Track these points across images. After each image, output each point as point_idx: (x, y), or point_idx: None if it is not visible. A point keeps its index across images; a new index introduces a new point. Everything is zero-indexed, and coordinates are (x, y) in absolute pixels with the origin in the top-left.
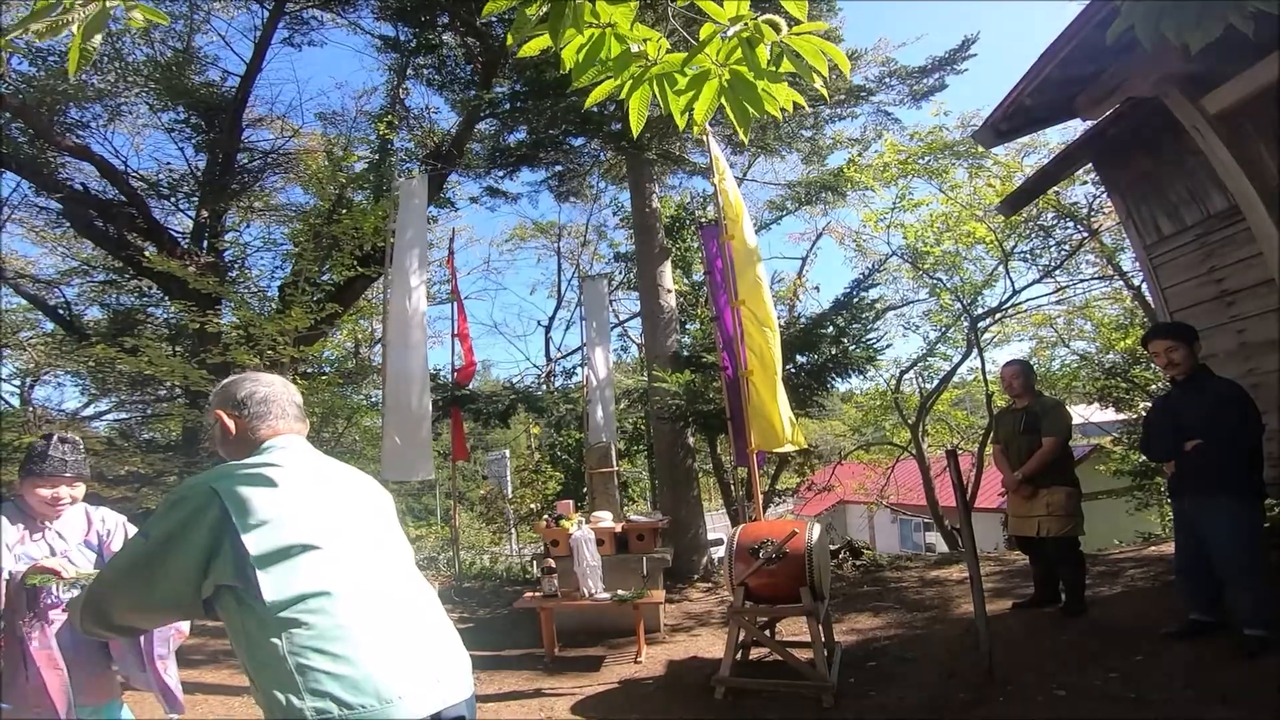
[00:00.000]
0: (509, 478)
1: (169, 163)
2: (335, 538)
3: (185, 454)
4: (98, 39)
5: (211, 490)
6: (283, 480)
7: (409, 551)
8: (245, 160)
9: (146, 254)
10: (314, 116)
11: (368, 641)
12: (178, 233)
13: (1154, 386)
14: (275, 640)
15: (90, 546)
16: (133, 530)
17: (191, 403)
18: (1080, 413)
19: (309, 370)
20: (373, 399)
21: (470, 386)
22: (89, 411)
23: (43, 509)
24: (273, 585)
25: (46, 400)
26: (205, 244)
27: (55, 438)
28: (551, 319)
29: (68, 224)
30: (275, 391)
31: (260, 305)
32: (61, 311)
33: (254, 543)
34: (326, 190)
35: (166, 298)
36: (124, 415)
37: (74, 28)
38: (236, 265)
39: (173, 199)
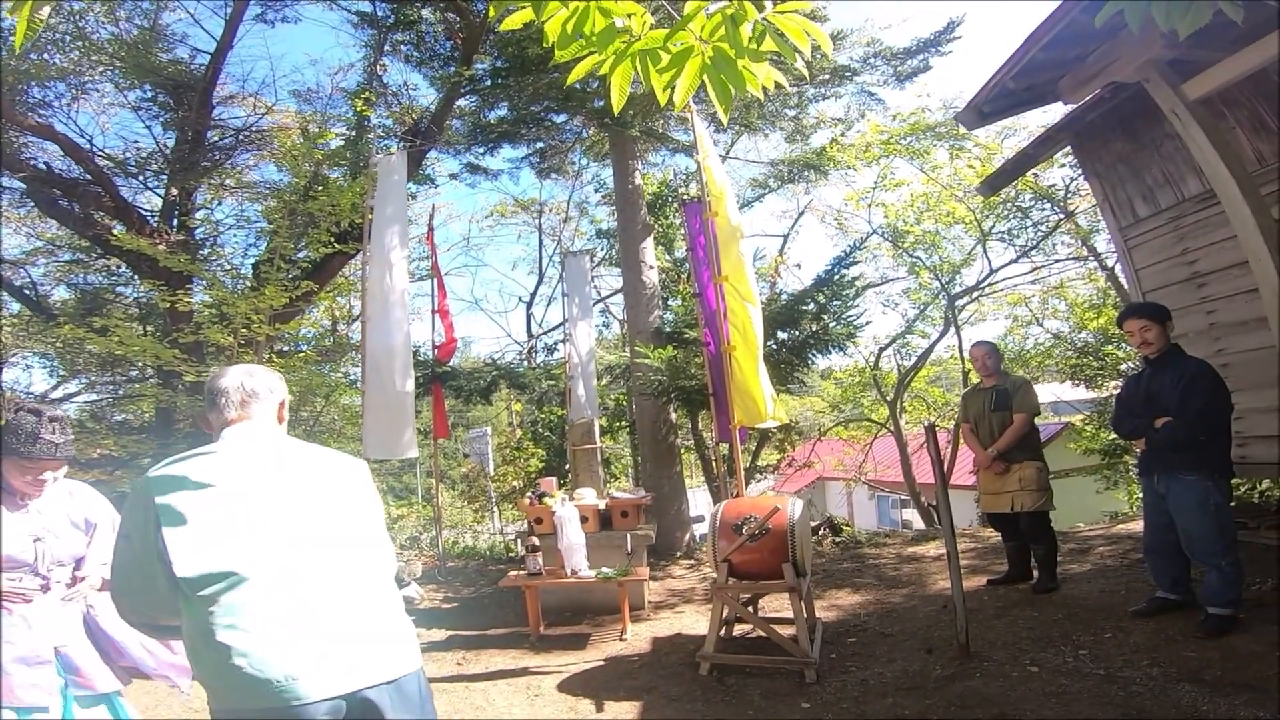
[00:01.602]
0: (491, 455)
1: (136, 141)
2: (255, 523)
3: (160, 435)
4: (46, 10)
5: (146, 481)
6: (213, 469)
7: (362, 530)
8: (216, 138)
9: (114, 232)
10: (288, 94)
11: (278, 621)
12: (146, 211)
13: (1125, 365)
14: (194, 619)
15: (76, 525)
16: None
17: (164, 383)
18: (1053, 391)
19: (285, 348)
20: (351, 376)
21: (451, 363)
22: (58, 393)
23: (24, 488)
24: (187, 568)
25: (15, 383)
26: (175, 222)
27: (45, 417)
28: (533, 295)
29: (31, 204)
30: (220, 384)
31: (233, 283)
32: (28, 292)
33: (170, 531)
34: (302, 167)
35: (136, 277)
36: (95, 397)
37: None
38: (208, 243)
39: (140, 177)
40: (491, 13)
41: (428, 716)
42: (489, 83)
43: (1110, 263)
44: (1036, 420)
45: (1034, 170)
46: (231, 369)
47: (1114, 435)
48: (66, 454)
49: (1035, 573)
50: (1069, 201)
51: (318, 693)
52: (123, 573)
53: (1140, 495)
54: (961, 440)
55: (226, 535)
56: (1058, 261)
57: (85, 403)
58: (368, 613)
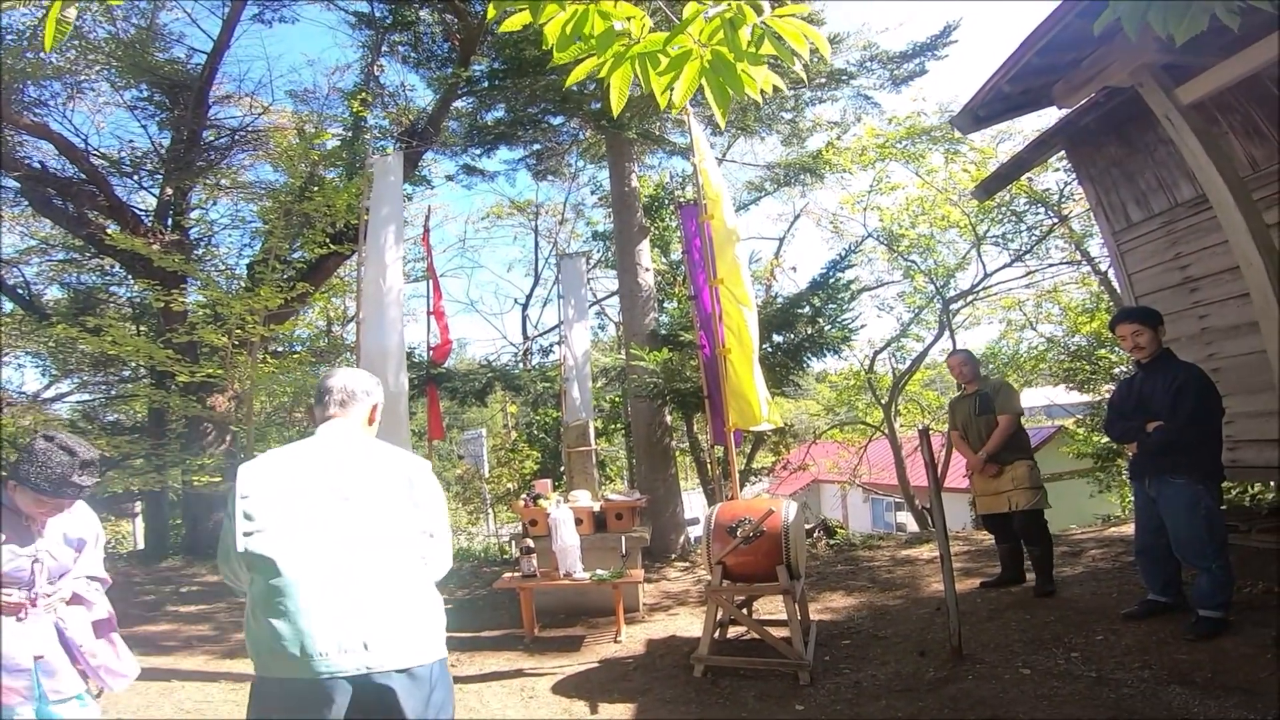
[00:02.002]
0: (485, 457)
1: (131, 140)
2: (307, 515)
3: (152, 436)
4: (72, 11)
5: (240, 468)
6: (292, 462)
7: (404, 528)
8: (212, 138)
9: (109, 232)
10: (284, 94)
11: (303, 603)
12: (141, 210)
13: (1118, 370)
14: (251, 593)
15: (70, 543)
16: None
17: (157, 383)
18: (1046, 394)
19: (280, 349)
20: None
21: (446, 365)
22: (50, 393)
23: (32, 511)
24: (244, 548)
25: (7, 382)
26: (170, 221)
27: (79, 460)
28: (529, 297)
29: (26, 203)
30: (328, 384)
31: (228, 283)
32: (20, 291)
33: (240, 514)
34: (297, 168)
35: (130, 276)
36: (87, 397)
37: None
38: (203, 243)
39: (135, 177)
40: (490, 14)
41: (438, 705)
42: (486, 84)
43: (1103, 267)
44: (1023, 421)
45: (1028, 174)
46: (340, 370)
47: (1107, 439)
48: (90, 494)
49: (1029, 575)
50: (1063, 206)
51: (328, 671)
52: (222, 545)
53: (1132, 498)
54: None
55: (282, 525)
56: (1051, 266)
57: (77, 402)
58: (391, 605)
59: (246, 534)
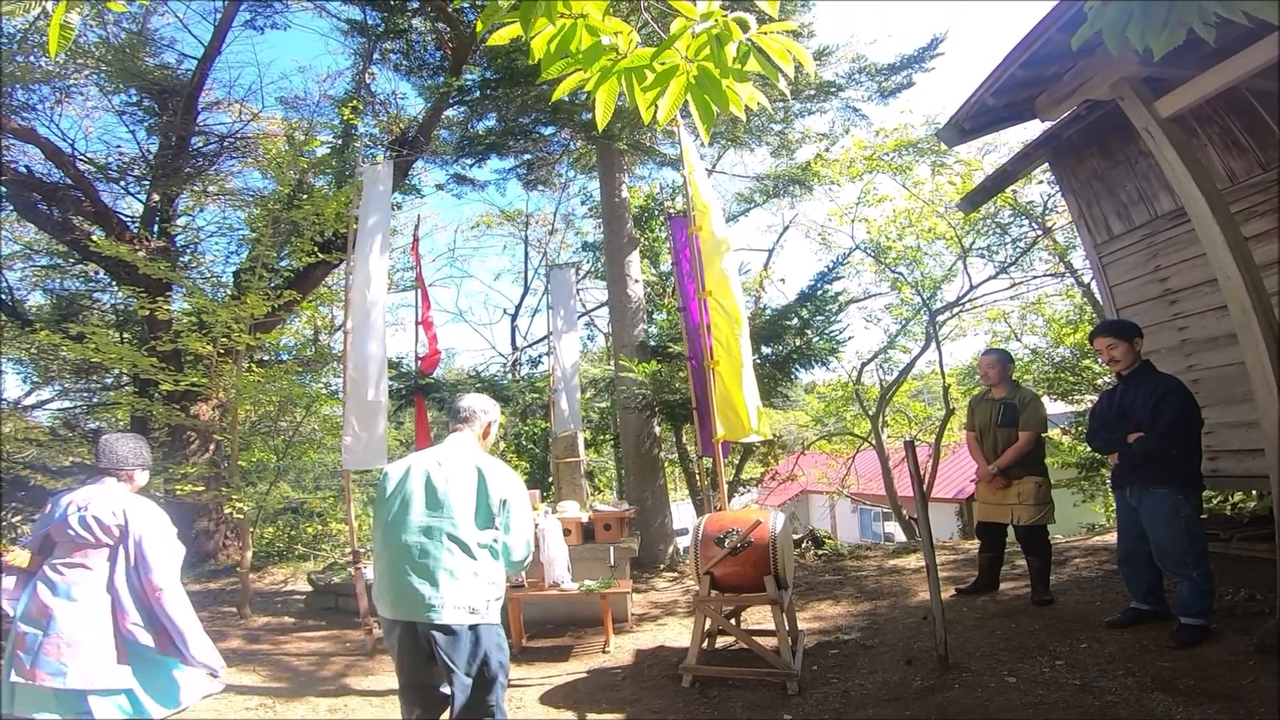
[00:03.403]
0: None
1: (119, 145)
2: (406, 503)
3: None
4: (75, 16)
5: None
6: (410, 466)
7: (467, 519)
8: (200, 144)
9: (94, 238)
10: (275, 100)
11: (388, 566)
12: (127, 217)
13: (1101, 380)
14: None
15: None
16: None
17: (140, 391)
18: None
19: (266, 358)
20: (332, 387)
21: (434, 375)
22: (31, 400)
23: None
24: (374, 523)
25: None
26: (156, 228)
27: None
28: (518, 307)
29: (10, 207)
30: (457, 404)
31: (214, 291)
32: (3, 296)
33: (377, 501)
34: (286, 175)
35: (114, 283)
36: (68, 404)
37: (49, 5)
38: (189, 250)
39: (122, 182)
40: (479, 27)
41: (479, 656)
42: (478, 93)
43: (1086, 279)
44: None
45: (1013, 187)
46: (470, 394)
47: (1089, 448)
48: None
49: (1002, 584)
50: (1047, 218)
51: (392, 616)
52: None
53: (1114, 507)
54: (943, 453)
55: (391, 509)
56: (1035, 278)
57: (59, 410)
58: (444, 576)
59: (375, 513)
